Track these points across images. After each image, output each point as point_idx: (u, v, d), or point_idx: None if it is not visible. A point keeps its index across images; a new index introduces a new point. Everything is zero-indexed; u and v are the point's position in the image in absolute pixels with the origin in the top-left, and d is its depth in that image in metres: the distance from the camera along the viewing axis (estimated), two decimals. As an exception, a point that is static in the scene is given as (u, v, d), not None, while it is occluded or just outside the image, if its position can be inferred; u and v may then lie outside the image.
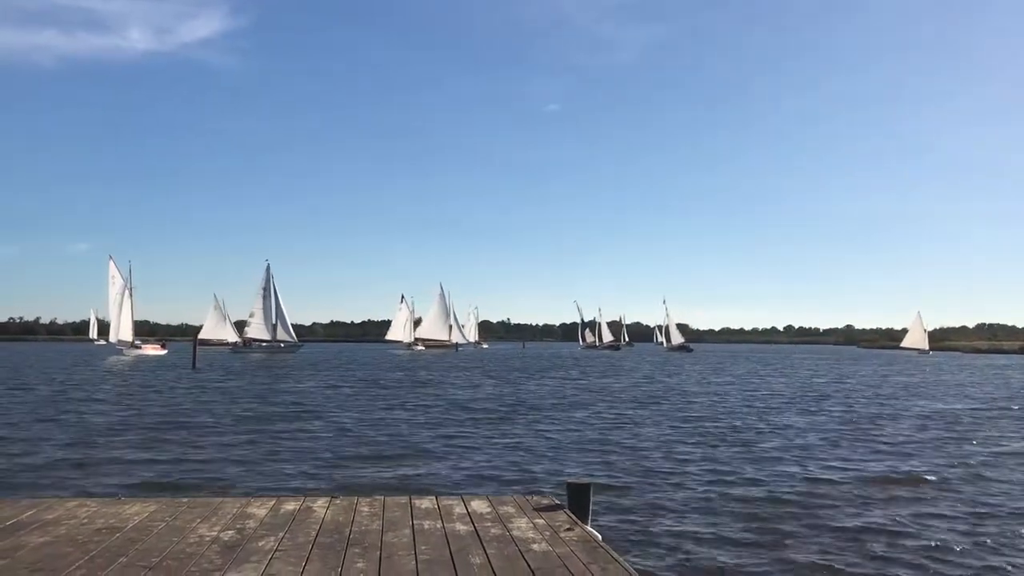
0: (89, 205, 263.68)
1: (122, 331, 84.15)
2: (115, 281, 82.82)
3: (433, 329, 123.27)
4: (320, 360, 77.47)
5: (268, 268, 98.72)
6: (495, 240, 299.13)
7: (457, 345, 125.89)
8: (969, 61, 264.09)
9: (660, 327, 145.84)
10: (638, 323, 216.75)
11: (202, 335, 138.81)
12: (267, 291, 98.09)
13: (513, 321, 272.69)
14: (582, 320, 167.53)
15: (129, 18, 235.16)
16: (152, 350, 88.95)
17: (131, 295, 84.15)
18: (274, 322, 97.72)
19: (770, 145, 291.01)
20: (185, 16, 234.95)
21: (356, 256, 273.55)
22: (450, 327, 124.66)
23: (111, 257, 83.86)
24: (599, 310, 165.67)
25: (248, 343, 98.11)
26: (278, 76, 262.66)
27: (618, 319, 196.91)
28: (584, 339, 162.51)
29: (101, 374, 50.72)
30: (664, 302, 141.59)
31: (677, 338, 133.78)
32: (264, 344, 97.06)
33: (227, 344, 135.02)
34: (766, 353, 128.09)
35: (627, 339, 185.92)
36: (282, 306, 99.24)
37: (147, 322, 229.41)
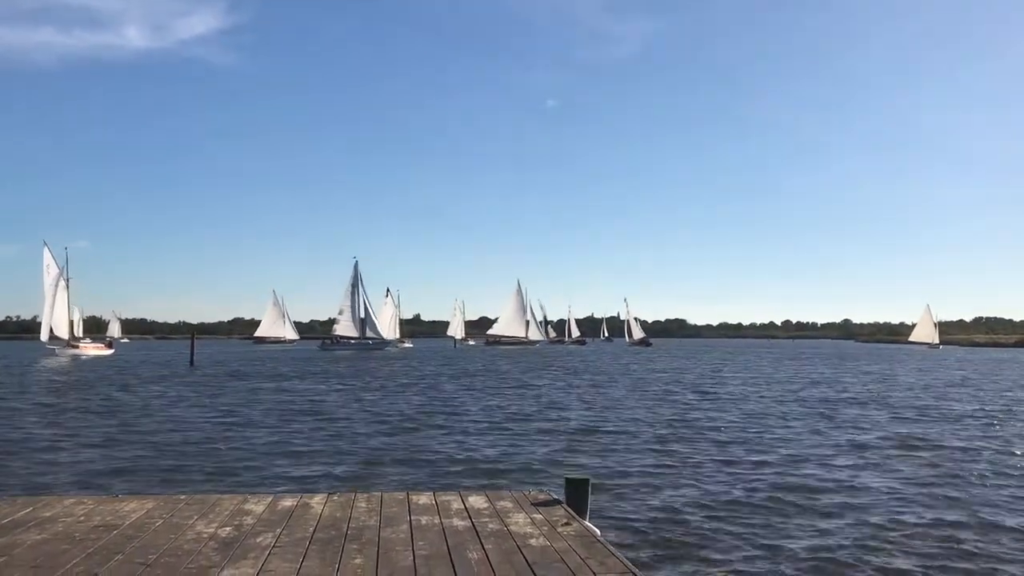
0: (88, 202, 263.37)
1: (56, 327, 73.21)
2: (50, 270, 72.72)
3: (510, 326, 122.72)
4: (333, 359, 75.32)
5: (356, 266, 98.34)
6: (491, 234, 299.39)
7: (536, 342, 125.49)
8: (971, 47, 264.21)
9: (636, 321, 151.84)
10: (635, 318, 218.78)
11: (259, 332, 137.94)
12: (355, 288, 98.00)
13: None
14: (545, 318, 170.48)
15: (126, 15, 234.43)
16: (94, 349, 78.56)
17: (67, 286, 74.29)
18: (362, 317, 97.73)
19: (769, 137, 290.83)
20: (182, 13, 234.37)
21: (347, 251, 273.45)
22: (527, 323, 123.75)
23: (45, 244, 73.16)
24: (569, 308, 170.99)
25: (336, 340, 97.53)
26: (276, 72, 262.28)
27: (614, 315, 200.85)
28: (548, 335, 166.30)
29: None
30: (625, 300, 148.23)
31: (638, 334, 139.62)
32: (352, 341, 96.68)
33: (285, 341, 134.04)
34: (760, 348, 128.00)
35: (607, 334, 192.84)
36: (369, 304, 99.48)
37: (144, 320, 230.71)
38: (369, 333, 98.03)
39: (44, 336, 72.49)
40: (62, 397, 30.23)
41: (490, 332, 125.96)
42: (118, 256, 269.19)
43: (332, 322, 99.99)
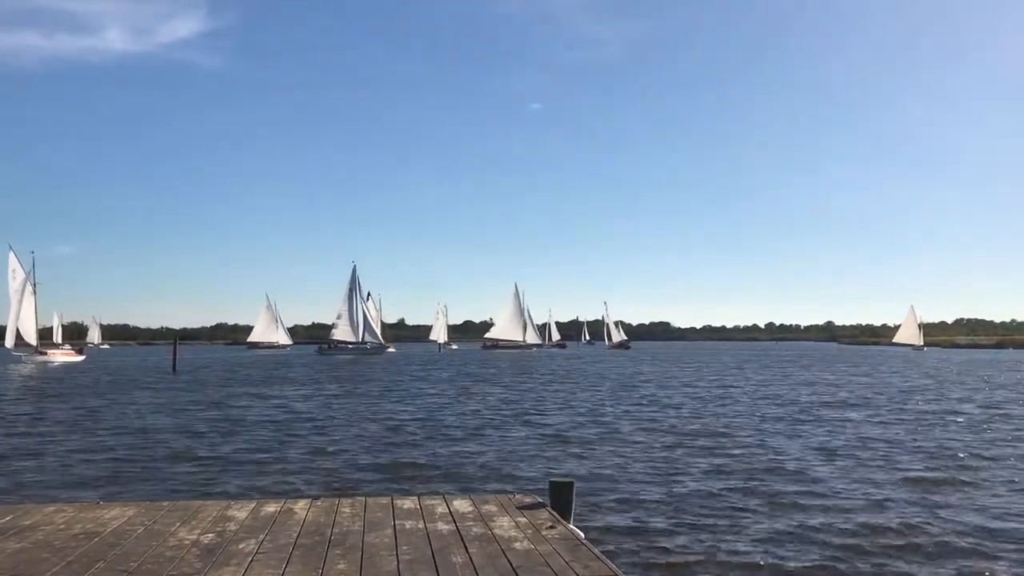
0: (72, 207, 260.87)
1: (25, 333, 71.19)
2: (15, 275, 70.11)
3: (508, 329, 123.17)
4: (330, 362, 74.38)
5: (354, 270, 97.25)
6: (475, 238, 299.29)
7: (534, 346, 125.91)
8: (954, 50, 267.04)
9: (617, 324, 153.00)
10: (619, 321, 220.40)
11: (252, 337, 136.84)
12: (353, 293, 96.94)
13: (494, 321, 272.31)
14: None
15: (108, 19, 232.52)
16: (63, 356, 77.33)
17: (34, 291, 71.82)
18: (360, 323, 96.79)
19: (752, 140, 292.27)
20: (164, 16, 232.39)
21: (329, 255, 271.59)
22: (524, 327, 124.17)
23: (11, 248, 70.56)
24: (549, 311, 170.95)
25: (333, 345, 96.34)
26: (259, 75, 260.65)
27: (598, 319, 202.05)
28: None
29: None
30: (605, 303, 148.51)
31: (617, 337, 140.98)
32: (351, 346, 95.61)
33: (278, 346, 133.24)
34: (744, 351, 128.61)
35: (588, 338, 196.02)
36: (368, 308, 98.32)
37: (126, 325, 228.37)
38: (368, 337, 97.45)
39: (9, 343, 70.37)
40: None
41: (487, 335, 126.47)
42: (102, 261, 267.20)
43: (316, 327, 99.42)
